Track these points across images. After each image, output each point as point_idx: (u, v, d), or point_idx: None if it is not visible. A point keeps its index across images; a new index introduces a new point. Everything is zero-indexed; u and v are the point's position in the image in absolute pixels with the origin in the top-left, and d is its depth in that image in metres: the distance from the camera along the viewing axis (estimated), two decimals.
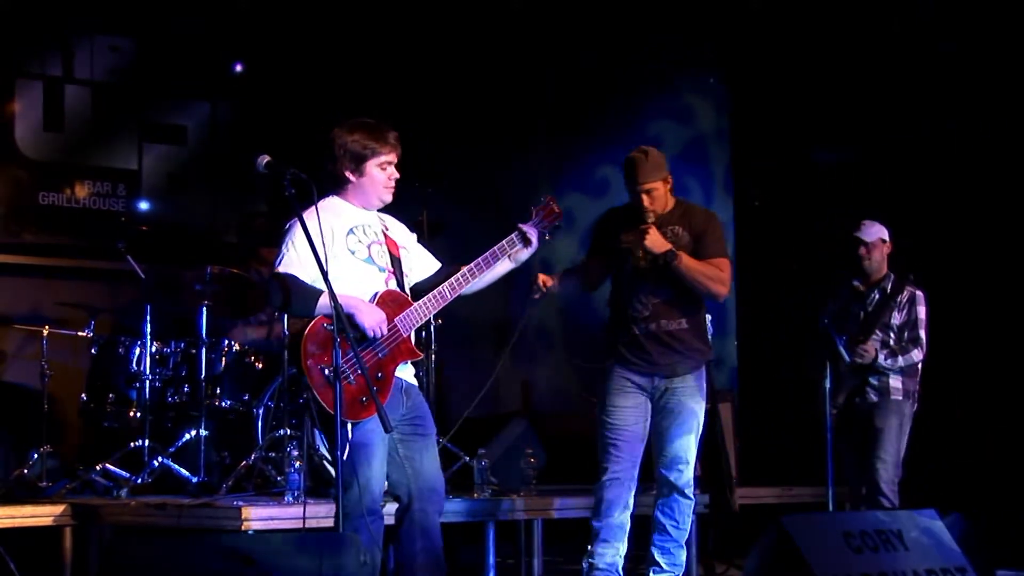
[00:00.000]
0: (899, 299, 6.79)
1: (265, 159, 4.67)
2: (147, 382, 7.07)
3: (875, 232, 6.97)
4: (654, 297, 5.79)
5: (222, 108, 8.89)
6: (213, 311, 7.14)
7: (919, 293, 6.84)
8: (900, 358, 6.76)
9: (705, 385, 5.94)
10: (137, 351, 7.12)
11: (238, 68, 8.81)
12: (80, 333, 7.26)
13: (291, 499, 5.99)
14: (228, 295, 7.22)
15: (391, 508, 5.03)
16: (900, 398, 6.80)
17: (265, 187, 8.29)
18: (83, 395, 7.21)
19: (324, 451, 6.39)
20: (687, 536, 6.00)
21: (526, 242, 5.12)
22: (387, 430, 4.49)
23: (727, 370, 9.46)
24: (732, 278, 5.95)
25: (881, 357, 6.73)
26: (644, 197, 5.80)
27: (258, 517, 5.69)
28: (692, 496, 5.93)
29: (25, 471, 6.96)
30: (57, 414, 7.46)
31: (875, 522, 4.43)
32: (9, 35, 8.11)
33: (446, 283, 4.96)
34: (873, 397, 6.80)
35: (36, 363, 7.31)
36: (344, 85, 8.73)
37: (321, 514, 5.71)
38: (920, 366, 6.86)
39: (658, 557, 5.92)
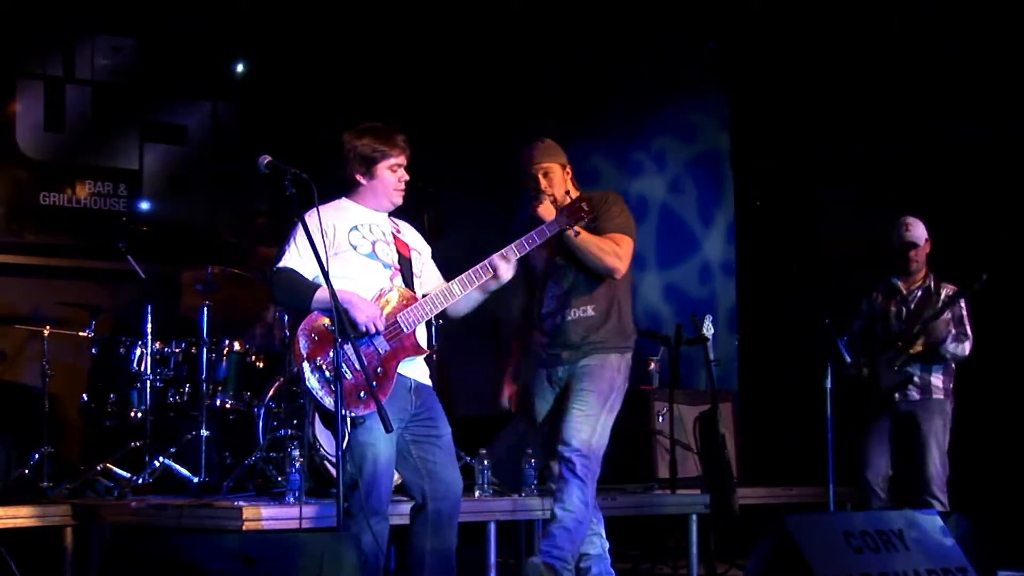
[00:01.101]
0: (943, 296, 6.82)
1: (266, 159, 4.69)
2: (148, 382, 7.08)
3: (921, 233, 6.96)
4: (557, 289, 5.71)
5: (223, 108, 8.89)
6: (214, 311, 7.15)
7: (959, 290, 6.83)
8: (959, 346, 6.74)
9: (613, 373, 5.67)
10: (138, 351, 7.13)
11: (239, 68, 8.81)
12: (81, 333, 7.27)
13: (292, 499, 5.99)
14: (229, 295, 7.22)
15: (400, 508, 5.03)
16: (942, 397, 6.83)
17: (267, 187, 8.33)
18: (84, 395, 7.22)
19: (326, 450, 6.39)
20: (575, 520, 5.56)
21: (495, 271, 4.94)
22: (387, 430, 4.49)
23: (727, 370, 9.46)
24: (632, 256, 5.68)
25: (948, 339, 6.71)
26: (541, 179, 5.70)
27: (259, 517, 5.69)
28: (579, 476, 5.53)
29: (26, 471, 6.96)
30: (58, 414, 7.46)
31: (876, 522, 4.43)
32: (10, 35, 8.11)
33: (456, 279, 4.95)
34: (915, 395, 6.81)
35: (37, 363, 7.32)
36: (345, 85, 8.73)
37: (323, 514, 5.71)
38: (955, 365, 6.87)
39: (542, 543, 5.66)
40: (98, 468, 6.98)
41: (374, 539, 4.65)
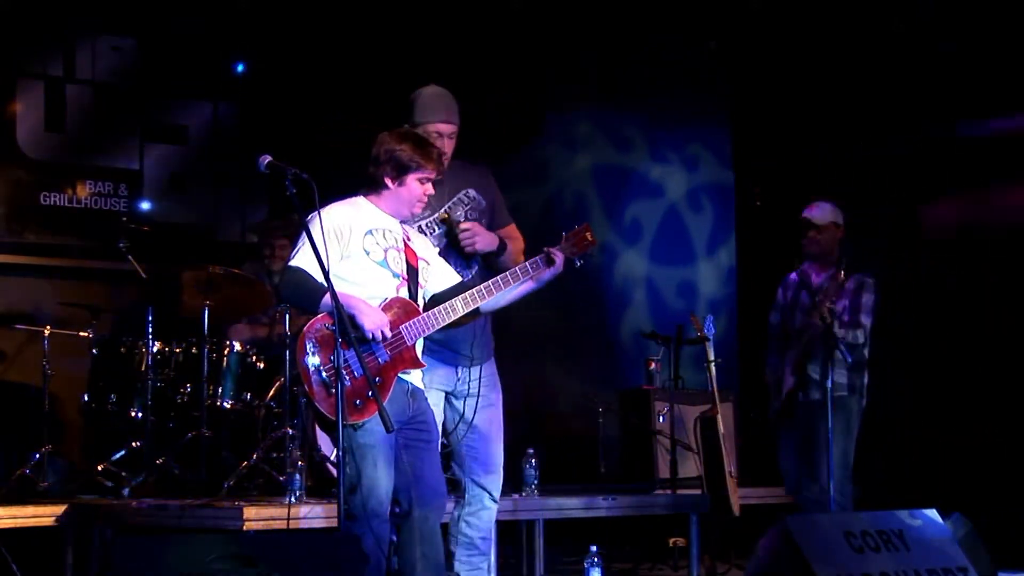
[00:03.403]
0: (846, 285, 6.52)
1: (267, 159, 4.69)
2: (148, 382, 7.08)
3: (823, 215, 6.72)
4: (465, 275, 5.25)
5: (224, 108, 8.88)
6: (214, 311, 7.14)
7: (869, 280, 6.61)
8: (849, 332, 6.46)
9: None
10: (139, 351, 7.12)
11: (240, 68, 8.81)
12: (82, 333, 7.26)
13: (292, 499, 5.99)
14: (230, 295, 7.21)
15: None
16: (845, 394, 6.53)
17: (267, 187, 8.34)
18: (84, 395, 7.21)
19: (325, 454, 6.39)
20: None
21: (550, 263, 5.01)
22: (388, 430, 4.50)
23: (727, 370, 9.46)
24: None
25: (836, 325, 6.38)
26: (446, 140, 5.30)
27: (259, 517, 5.68)
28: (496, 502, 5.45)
29: (27, 471, 6.96)
30: (58, 414, 7.46)
31: (876, 522, 4.43)
32: (10, 35, 8.10)
33: (459, 297, 4.94)
34: (816, 395, 6.51)
35: (38, 363, 7.31)
36: (345, 86, 8.73)
37: (324, 514, 5.72)
38: (866, 360, 6.61)
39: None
40: (98, 468, 6.98)
41: (375, 541, 4.65)
